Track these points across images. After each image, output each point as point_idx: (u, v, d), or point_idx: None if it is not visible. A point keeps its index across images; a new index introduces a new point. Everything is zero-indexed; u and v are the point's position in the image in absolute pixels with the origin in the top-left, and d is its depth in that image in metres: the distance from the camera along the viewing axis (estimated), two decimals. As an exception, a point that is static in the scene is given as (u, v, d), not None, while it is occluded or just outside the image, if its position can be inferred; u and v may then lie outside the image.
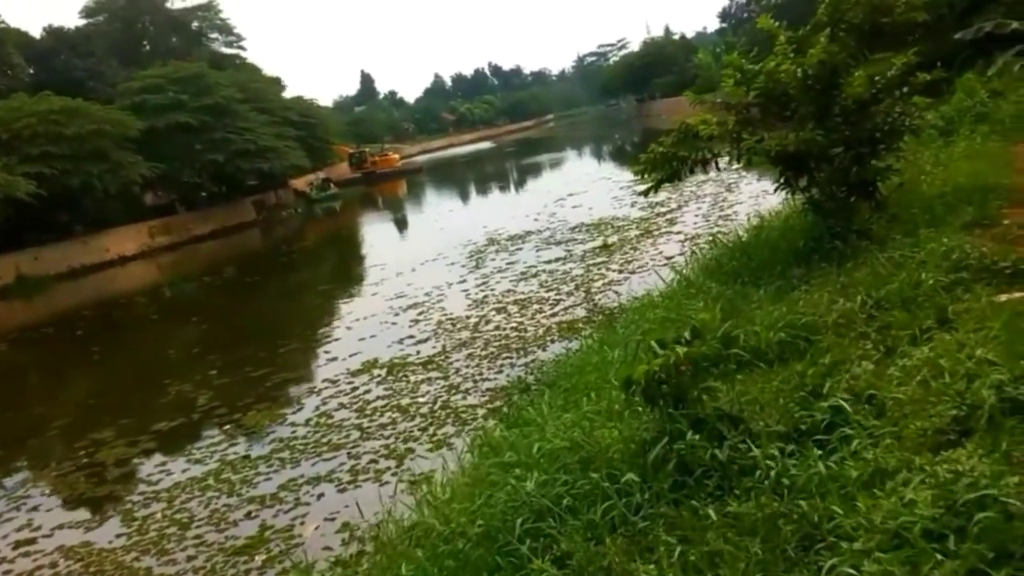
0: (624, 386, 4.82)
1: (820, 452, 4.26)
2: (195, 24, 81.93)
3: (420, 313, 19.45)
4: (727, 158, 10.63)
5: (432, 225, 41.03)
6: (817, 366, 5.27)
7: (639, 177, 10.94)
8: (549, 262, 22.61)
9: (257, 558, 8.88)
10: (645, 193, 11.19)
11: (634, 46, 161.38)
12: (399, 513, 7.46)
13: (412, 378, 14.22)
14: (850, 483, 3.89)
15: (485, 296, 19.80)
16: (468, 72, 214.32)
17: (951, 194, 9.60)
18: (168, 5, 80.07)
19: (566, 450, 5.11)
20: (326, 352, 17.92)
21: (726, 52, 11.41)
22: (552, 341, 14.55)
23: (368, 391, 14.08)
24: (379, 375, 14.83)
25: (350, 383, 14.79)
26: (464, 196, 58.25)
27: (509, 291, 19.87)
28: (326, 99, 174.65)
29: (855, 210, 9.49)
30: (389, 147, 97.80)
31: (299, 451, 11.95)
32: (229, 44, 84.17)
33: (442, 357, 15.12)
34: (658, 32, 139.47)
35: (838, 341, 6.23)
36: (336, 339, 19.15)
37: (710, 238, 14.50)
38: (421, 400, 12.92)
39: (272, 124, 58.02)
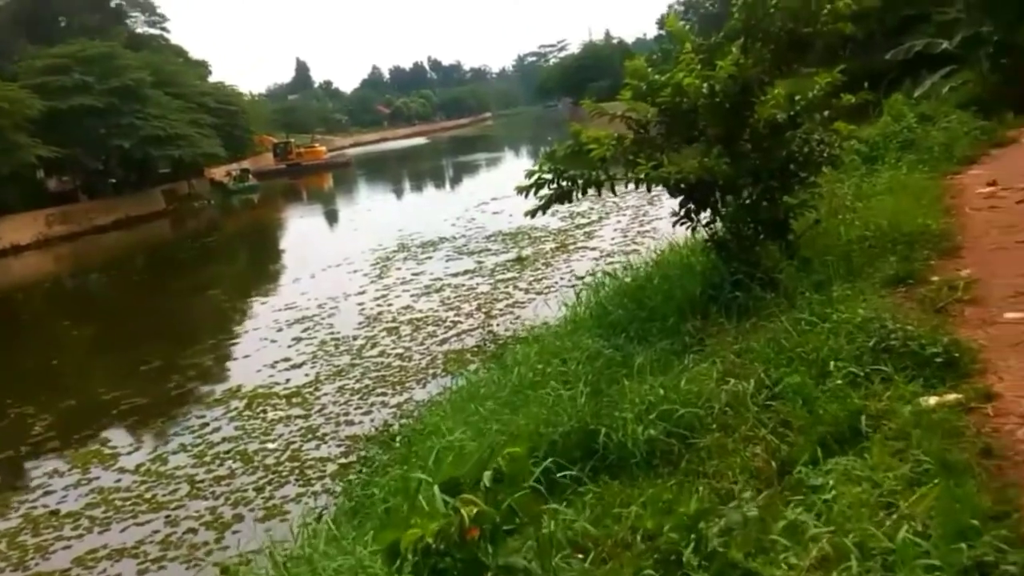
0: (388, 557, 3.21)
1: None
2: (114, 1, 77.49)
3: (305, 330, 17.64)
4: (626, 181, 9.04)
5: (346, 225, 38.98)
6: (678, 514, 3.72)
7: (522, 195, 9.20)
8: (456, 275, 21.02)
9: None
10: (532, 214, 9.40)
11: (574, 48, 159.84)
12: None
13: (270, 415, 12.44)
14: None
15: (380, 312, 18.13)
16: (407, 65, 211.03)
17: (872, 238, 8.29)
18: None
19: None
20: (188, 375, 15.87)
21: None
22: (434, 375, 12.93)
23: (217, 429, 12.25)
24: (236, 408, 13.00)
25: (201, 417, 12.94)
26: (386, 194, 56.08)
27: (407, 307, 18.22)
28: (260, 87, 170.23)
29: (763, 252, 8.07)
30: (319, 139, 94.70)
31: (115, 508, 10.06)
32: (152, 24, 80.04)
33: (311, 389, 13.36)
34: (600, 36, 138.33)
35: (721, 443, 4.81)
36: (205, 358, 17.13)
37: (611, 266, 13.02)
38: (270, 446, 11.14)
39: (187, 110, 54.69)
